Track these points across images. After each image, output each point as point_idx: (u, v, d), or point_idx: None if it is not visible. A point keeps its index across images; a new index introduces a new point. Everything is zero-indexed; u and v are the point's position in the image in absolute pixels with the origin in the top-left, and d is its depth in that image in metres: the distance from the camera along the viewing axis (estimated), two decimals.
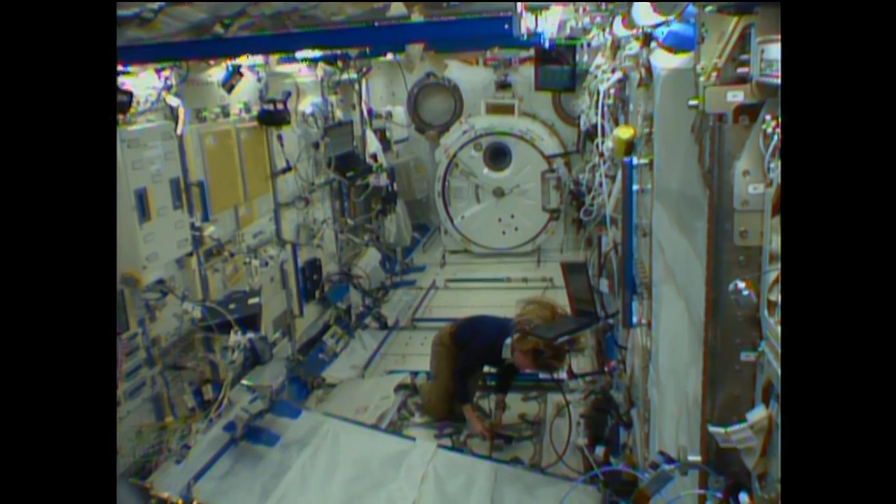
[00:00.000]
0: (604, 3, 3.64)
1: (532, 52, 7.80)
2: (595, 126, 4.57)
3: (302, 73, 6.05)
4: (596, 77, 5.27)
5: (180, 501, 3.64)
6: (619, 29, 3.61)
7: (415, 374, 5.46)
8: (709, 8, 1.61)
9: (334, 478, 3.98)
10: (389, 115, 8.18)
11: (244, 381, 4.67)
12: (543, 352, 4.13)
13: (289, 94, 5.44)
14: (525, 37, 3.50)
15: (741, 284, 1.46)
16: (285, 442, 4.23)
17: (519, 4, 2.98)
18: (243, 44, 3.39)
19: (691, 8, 1.81)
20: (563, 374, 4.32)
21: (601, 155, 4.28)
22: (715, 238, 1.62)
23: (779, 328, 1.32)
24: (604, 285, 4.16)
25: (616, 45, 4.24)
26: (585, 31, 5.36)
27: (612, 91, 4.11)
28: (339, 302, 6.62)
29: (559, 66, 7.70)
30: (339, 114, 6.73)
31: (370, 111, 7.77)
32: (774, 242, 1.41)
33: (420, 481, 3.90)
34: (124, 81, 3.69)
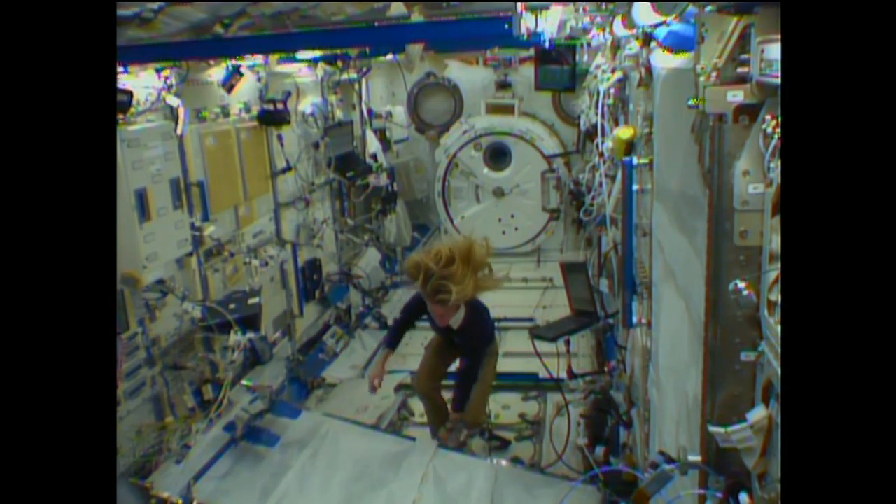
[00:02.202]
0: (604, 3, 3.63)
1: (532, 52, 7.80)
2: (595, 126, 4.57)
3: (302, 73, 6.05)
4: (596, 77, 5.27)
5: (180, 501, 3.63)
6: (619, 29, 3.61)
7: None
8: (709, 8, 1.61)
9: (334, 478, 3.97)
10: (389, 115, 8.17)
11: (244, 381, 4.67)
12: (430, 275, 3.76)
13: (289, 94, 5.44)
14: (525, 37, 3.50)
15: (741, 284, 1.46)
16: (285, 442, 4.23)
17: (519, 4, 2.98)
18: (243, 44, 3.39)
19: (691, 8, 1.81)
20: (563, 374, 4.32)
21: (601, 155, 4.28)
22: (715, 238, 1.62)
23: (779, 328, 1.33)
24: (604, 285, 4.16)
25: (616, 45, 4.25)
26: (585, 31, 5.36)
27: (612, 91, 4.11)
28: (339, 302, 6.62)
29: (559, 66, 7.69)
30: (339, 114, 6.73)
31: (370, 111, 7.76)
32: (774, 242, 1.41)
33: (420, 481, 3.89)
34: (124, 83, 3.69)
